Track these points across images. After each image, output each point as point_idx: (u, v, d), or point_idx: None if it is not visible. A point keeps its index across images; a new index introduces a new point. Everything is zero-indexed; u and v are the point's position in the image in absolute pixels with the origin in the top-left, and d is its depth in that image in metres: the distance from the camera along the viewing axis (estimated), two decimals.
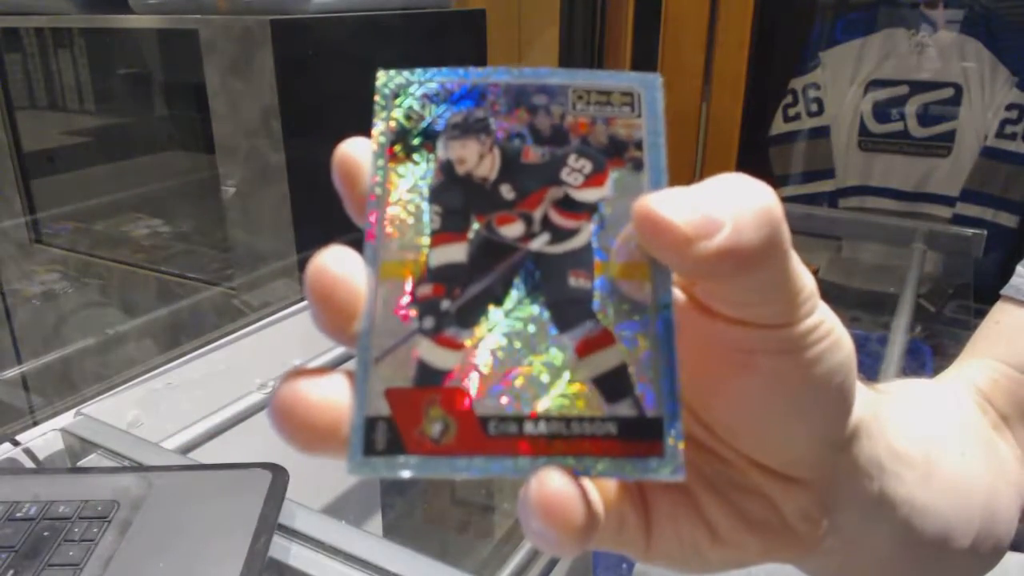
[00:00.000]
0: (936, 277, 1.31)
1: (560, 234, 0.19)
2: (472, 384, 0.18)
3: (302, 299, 0.91)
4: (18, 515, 0.46)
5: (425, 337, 0.18)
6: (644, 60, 1.53)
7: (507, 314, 0.18)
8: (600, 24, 1.45)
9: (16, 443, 0.59)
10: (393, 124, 0.21)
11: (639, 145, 0.20)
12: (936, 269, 1.29)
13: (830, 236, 1.35)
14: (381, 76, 0.22)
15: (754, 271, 0.18)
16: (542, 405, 0.18)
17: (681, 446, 0.17)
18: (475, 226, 0.19)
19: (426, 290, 0.18)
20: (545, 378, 0.18)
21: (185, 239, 1.39)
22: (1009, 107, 1.43)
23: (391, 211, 0.19)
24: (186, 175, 1.35)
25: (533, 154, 0.20)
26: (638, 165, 0.20)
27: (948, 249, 1.16)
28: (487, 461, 0.17)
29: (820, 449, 0.22)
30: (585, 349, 0.18)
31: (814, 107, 1.58)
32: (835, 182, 1.60)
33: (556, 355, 0.18)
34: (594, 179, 0.19)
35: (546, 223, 0.19)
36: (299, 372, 0.19)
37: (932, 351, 1.01)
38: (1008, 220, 1.46)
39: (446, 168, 0.20)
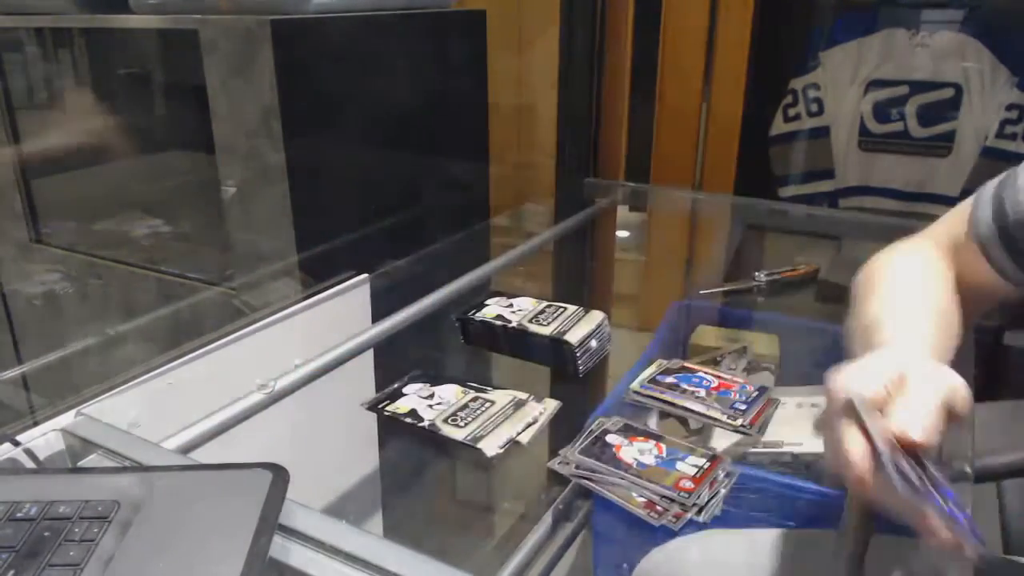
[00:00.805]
0: None
1: None
2: None
3: (302, 299, 0.92)
4: (18, 515, 0.46)
5: None
6: (644, 60, 1.53)
7: None
8: (600, 24, 1.44)
9: (16, 443, 0.59)
10: None
11: None
12: None
13: (830, 236, 1.35)
14: None
15: None
16: None
17: None
18: None
19: None
20: None
21: (185, 239, 1.39)
22: (1009, 107, 1.43)
23: None
24: (186, 175, 1.35)
25: None
26: None
27: None
28: None
29: None
30: None
31: (814, 107, 1.58)
32: (835, 182, 1.60)
33: None
34: None
35: None
36: None
37: None
38: None
39: None
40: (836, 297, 1.12)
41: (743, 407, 0.82)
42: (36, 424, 0.61)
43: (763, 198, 1.43)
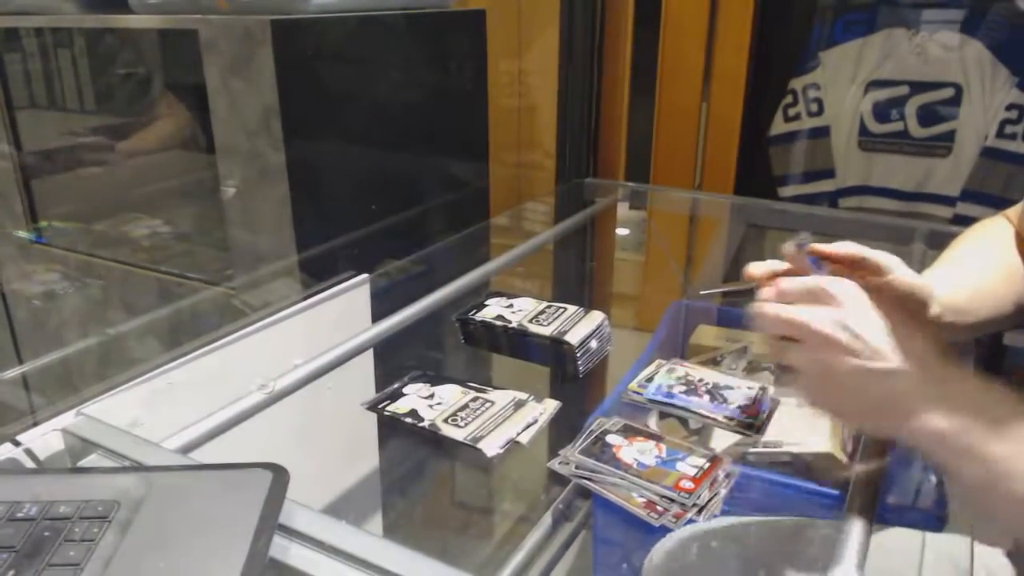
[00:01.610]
0: None
1: None
2: None
3: (302, 299, 0.92)
4: (19, 515, 0.46)
5: None
6: (644, 60, 1.53)
7: None
8: (600, 24, 1.44)
9: (17, 443, 0.59)
10: None
11: None
12: None
13: (830, 236, 1.35)
14: None
15: None
16: None
17: None
18: None
19: None
20: None
21: (185, 239, 1.39)
22: (1009, 107, 1.43)
23: None
24: (186, 175, 1.35)
25: None
26: None
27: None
28: None
29: None
30: None
31: (814, 107, 1.58)
32: (835, 182, 1.60)
33: None
34: None
35: None
36: None
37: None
38: None
39: None
40: None
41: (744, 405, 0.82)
42: (36, 424, 0.61)
43: (763, 198, 1.43)
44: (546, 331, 0.91)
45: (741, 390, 0.86)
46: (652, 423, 0.90)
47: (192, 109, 1.25)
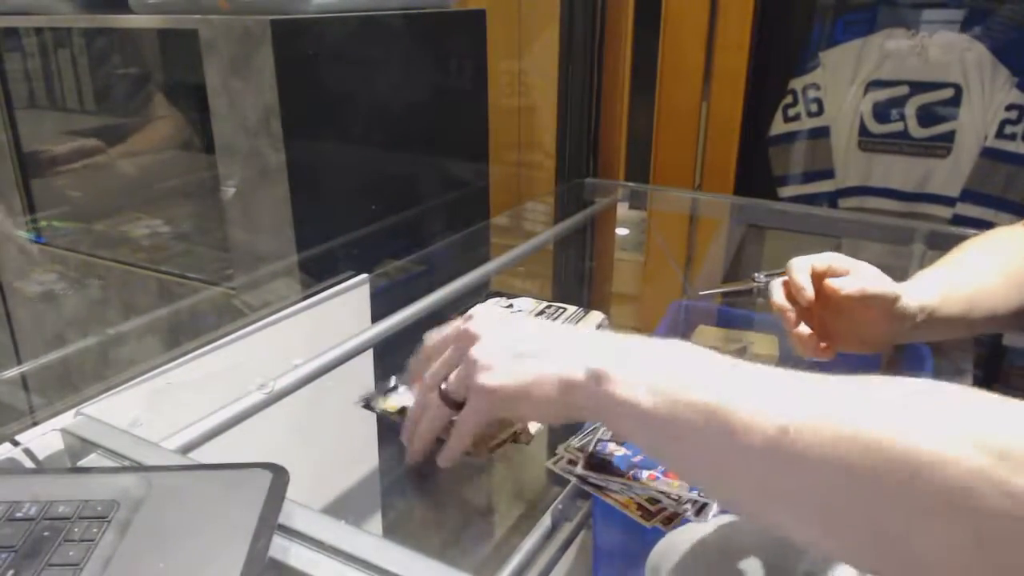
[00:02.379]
0: None
1: None
2: None
3: (302, 299, 0.92)
4: (18, 515, 0.46)
5: None
6: (644, 60, 1.53)
7: None
8: (600, 24, 1.44)
9: (16, 443, 0.59)
10: None
11: None
12: None
13: (830, 236, 1.35)
14: None
15: None
16: None
17: None
18: None
19: None
20: None
21: (185, 239, 1.39)
22: (1009, 107, 1.43)
23: None
24: (186, 175, 1.35)
25: None
26: None
27: (948, 249, 1.15)
28: None
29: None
30: None
31: (814, 107, 1.58)
32: (835, 182, 1.60)
33: None
34: None
35: None
36: None
37: (931, 350, 1.01)
38: (1008, 220, 1.45)
39: None
40: None
41: None
42: (36, 424, 0.61)
43: (763, 198, 1.43)
44: None
45: None
46: None
47: (191, 109, 1.25)
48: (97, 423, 0.62)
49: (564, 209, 1.44)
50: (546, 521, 0.68)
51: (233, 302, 1.18)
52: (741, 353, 1.06)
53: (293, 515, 0.49)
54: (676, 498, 0.67)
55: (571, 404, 0.49)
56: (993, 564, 0.30)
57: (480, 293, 1.04)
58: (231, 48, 1.05)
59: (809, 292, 0.66)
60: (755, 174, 1.60)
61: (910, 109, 1.51)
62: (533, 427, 0.77)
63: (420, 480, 1.22)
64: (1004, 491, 0.29)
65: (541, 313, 0.96)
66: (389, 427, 0.83)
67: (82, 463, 0.60)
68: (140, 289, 1.34)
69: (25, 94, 1.47)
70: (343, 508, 1.07)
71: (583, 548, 0.75)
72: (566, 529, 0.69)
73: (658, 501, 0.67)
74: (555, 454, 0.75)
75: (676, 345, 0.48)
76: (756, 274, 1.26)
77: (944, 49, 1.46)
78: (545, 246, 1.28)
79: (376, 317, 0.97)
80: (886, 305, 0.66)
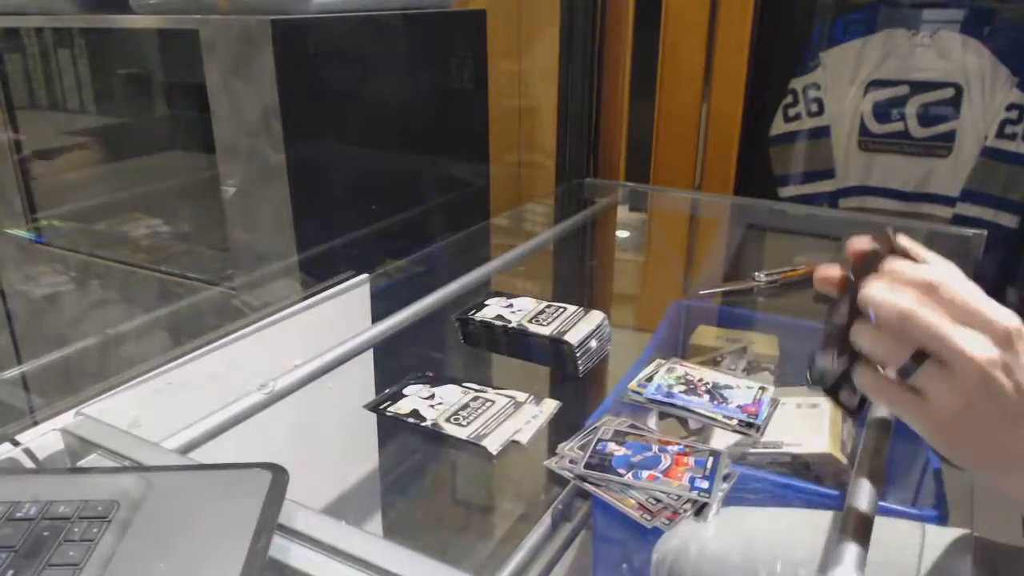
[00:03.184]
0: None
1: None
2: None
3: (302, 299, 0.92)
4: (18, 515, 0.46)
5: None
6: (644, 60, 1.53)
7: None
8: (600, 24, 1.44)
9: (16, 443, 0.59)
10: None
11: None
12: None
13: (830, 236, 1.35)
14: None
15: None
16: None
17: None
18: None
19: None
20: None
21: (185, 239, 1.39)
22: (1009, 107, 1.43)
23: None
24: (186, 175, 1.35)
25: None
26: None
27: (948, 249, 1.16)
28: None
29: None
30: None
31: (814, 107, 1.58)
32: (835, 182, 1.60)
33: None
34: None
35: None
36: None
37: None
38: (1008, 220, 1.46)
39: None
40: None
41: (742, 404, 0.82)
42: (36, 424, 0.61)
43: (763, 198, 1.43)
44: (546, 331, 0.91)
45: (741, 390, 0.86)
46: (652, 423, 0.90)
47: (191, 109, 1.25)
48: (97, 423, 0.62)
49: (564, 209, 1.44)
50: (546, 521, 0.68)
51: (233, 302, 1.18)
52: (741, 353, 1.06)
53: (293, 515, 0.49)
54: (676, 498, 0.67)
55: None
56: None
57: (480, 293, 1.04)
58: (231, 48, 1.05)
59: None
60: (755, 174, 1.60)
61: (910, 109, 1.51)
62: (528, 434, 0.77)
63: (420, 480, 1.22)
64: None
65: (541, 313, 0.96)
66: (391, 427, 0.83)
67: (82, 463, 0.60)
68: (140, 289, 1.34)
69: (25, 94, 1.47)
70: (343, 508, 1.07)
71: (583, 548, 0.75)
72: (566, 529, 0.69)
73: (658, 501, 0.67)
74: (555, 454, 0.75)
75: None
76: (756, 274, 1.26)
77: (944, 49, 1.46)
78: (545, 246, 1.28)
79: (376, 317, 0.97)
80: None
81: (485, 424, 0.78)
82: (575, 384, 0.92)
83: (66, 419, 0.62)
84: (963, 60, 1.45)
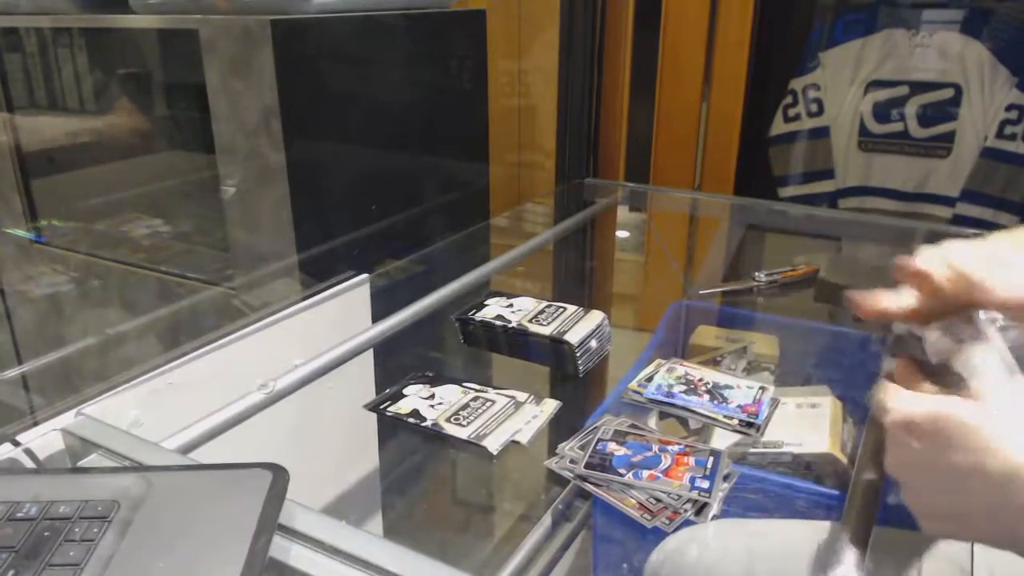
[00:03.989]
0: None
1: None
2: None
3: (302, 299, 0.92)
4: (18, 515, 0.46)
5: None
6: (644, 60, 1.53)
7: None
8: (600, 24, 1.44)
9: (16, 443, 0.59)
10: None
11: None
12: None
13: (830, 236, 1.35)
14: None
15: None
16: None
17: None
18: None
19: None
20: None
21: (185, 239, 1.39)
22: (1009, 107, 1.43)
23: None
24: (186, 175, 1.35)
25: None
26: None
27: None
28: None
29: None
30: None
31: (814, 107, 1.58)
32: (835, 182, 1.60)
33: None
34: None
35: None
36: None
37: None
38: (1008, 220, 1.46)
39: None
40: (835, 297, 1.12)
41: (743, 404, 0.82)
42: (36, 424, 0.61)
43: (763, 198, 1.43)
44: (546, 331, 0.91)
45: (741, 390, 0.86)
46: (652, 423, 0.90)
47: (191, 109, 1.25)
48: (97, 423, 0.62)
49: (564, 209, 1.44)
50: (546, 521, 0.68)
51: (233, 302, 1.18)
52: (741, 353, 1.06)
53: (293, 515, 0.49)
54: (676, 498, 0.67)
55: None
56: None
57: (480, 293, 1.04)
58: (231, 48, 1.05)
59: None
60: (755, 174, 1.60)
61: (910, 109, 1.51)
62: (528, 434, 0.77)
63: (420, 480, 1.22)
64: None
65: (541, 313, 0.96)
66: (391, 427, 0.83)
67: (82, 463, 0.60)
68: (140, 289, 1.34)
69: (25, 94, 1.47)
70: (343, 508, 1.07)
71: (583, 548, 0.75)
72: (566, 529, 0.69)
73: (658, 501, 0.67)
74: (555, 454, 0.75)
75: None
76: (756, 274, 1.26)
77: (944, 49, 1.46)
78: (545, 246, 1.28)
79: (376, 317, 0.97)
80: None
81: (485, 424, 0.78)
82: (575, 384, 0.92)
83: (66, 419, 0.62)
84: (963, 60, 1.45)
